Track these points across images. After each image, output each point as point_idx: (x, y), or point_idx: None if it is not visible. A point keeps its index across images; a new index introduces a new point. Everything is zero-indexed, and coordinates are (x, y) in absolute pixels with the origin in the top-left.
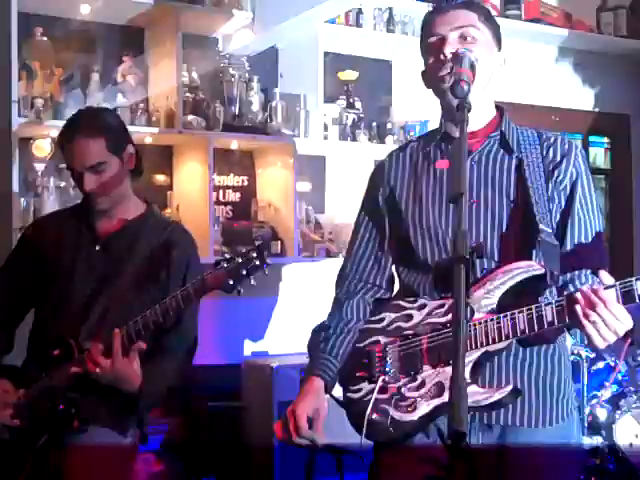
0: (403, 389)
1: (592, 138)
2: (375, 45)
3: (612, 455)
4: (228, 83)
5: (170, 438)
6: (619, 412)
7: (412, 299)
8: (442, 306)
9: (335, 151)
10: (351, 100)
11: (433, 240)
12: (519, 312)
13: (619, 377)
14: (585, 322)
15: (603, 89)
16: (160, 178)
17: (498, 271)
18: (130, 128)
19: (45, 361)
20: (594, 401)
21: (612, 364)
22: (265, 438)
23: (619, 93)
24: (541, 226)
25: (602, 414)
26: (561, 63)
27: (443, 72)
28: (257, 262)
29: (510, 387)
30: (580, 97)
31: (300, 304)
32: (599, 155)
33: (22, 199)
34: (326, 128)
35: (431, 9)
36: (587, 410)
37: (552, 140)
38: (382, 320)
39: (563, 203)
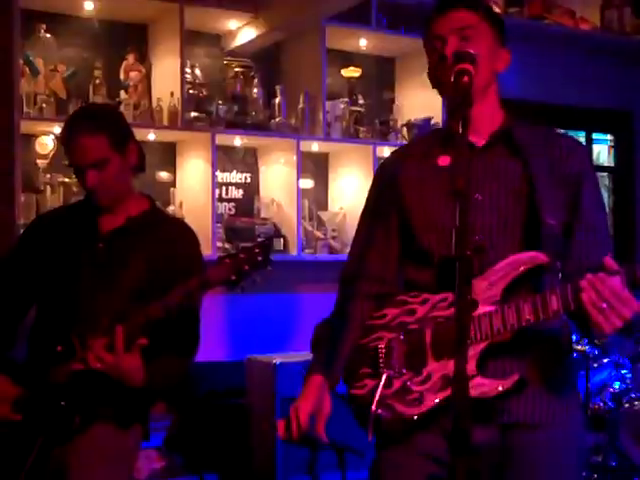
0: (408, 383)
1: (596, 135)
2: (379, 42)
3: (614, 452)
4: (231, 80)
5: (172, 434)
6: (622, 409)
7: (415, 294)
8: (445, 299)
9: (338, 148)
10: (354, 97)
11: (439, 236)
12: (524, 302)
13: (622, 373)
14: (592, 309)
15: (607, 86)
16: (163, 175)
17: (502, 263)
18: (133, 125)
19: (47, 357)
20: (596, 397)
21: (615, 360)
22: (267, 434)
23: (623, 90)
24: (546, 220)
25: (605, 411)
26: (565, 60)
27: (445, 73)
28: (260, 258)
29: (516, 376)
30: (583, 94)
31: (303, 301)
32: (603, 152)
33: (25, 195)
34: (329, 125)
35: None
36: (590, 406)
37: (557, 137)
38: (385, 316)
39: (569, 199)
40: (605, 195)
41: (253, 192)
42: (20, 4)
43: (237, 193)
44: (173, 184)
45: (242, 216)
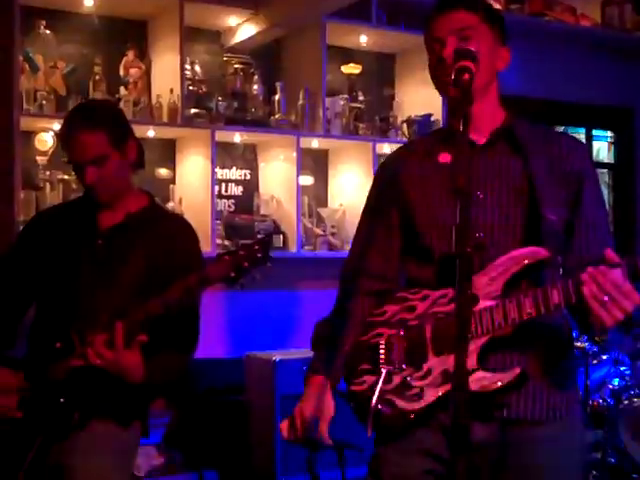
0: (408, 379)
1: (596, 132)
2: (379, 38)
3: (613, 449)
4: (231, 76)
5: (172, 431)
6: (621, 405)
7: (415, 290)
8: (445, 296)
9: (338, 145)
10: (354, 93)
11: (440, 233)
12: (525, 296)
13: (621, 370)
14: (593, 302)
15: (607, 83)
16: (163, 171)
17: (502, 258)
18: (133, 121)
19: (46, 354)
20: (596, 394)
21: (614, 357)
22: (267, 431)
23: (623, 87)
24: (546, 215)
25: (604, 408)
26: (565, 56)
27: (445, 73)
28: (259, 255)
29: (518, 370)
30: (584, 90)
31: (302, 298)
32: (603, 149)
33: (24, 192)
34: (329, 122)
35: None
36: (589, 403)
37: (557, 136)
38: (385, 312)
39: (569, 197)
40: (605, 192)
41: (253, 189)
42: (20, 1)
43: (237, 190)
44: (173, 181)
45: (242, 213)
